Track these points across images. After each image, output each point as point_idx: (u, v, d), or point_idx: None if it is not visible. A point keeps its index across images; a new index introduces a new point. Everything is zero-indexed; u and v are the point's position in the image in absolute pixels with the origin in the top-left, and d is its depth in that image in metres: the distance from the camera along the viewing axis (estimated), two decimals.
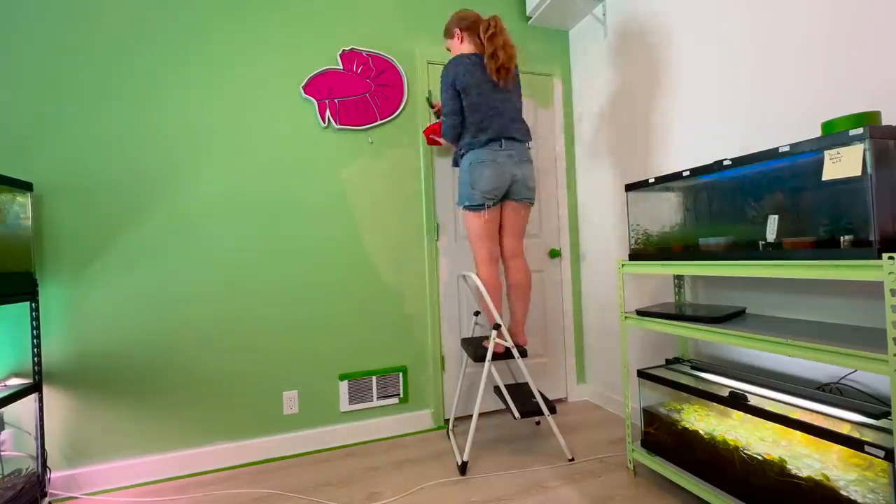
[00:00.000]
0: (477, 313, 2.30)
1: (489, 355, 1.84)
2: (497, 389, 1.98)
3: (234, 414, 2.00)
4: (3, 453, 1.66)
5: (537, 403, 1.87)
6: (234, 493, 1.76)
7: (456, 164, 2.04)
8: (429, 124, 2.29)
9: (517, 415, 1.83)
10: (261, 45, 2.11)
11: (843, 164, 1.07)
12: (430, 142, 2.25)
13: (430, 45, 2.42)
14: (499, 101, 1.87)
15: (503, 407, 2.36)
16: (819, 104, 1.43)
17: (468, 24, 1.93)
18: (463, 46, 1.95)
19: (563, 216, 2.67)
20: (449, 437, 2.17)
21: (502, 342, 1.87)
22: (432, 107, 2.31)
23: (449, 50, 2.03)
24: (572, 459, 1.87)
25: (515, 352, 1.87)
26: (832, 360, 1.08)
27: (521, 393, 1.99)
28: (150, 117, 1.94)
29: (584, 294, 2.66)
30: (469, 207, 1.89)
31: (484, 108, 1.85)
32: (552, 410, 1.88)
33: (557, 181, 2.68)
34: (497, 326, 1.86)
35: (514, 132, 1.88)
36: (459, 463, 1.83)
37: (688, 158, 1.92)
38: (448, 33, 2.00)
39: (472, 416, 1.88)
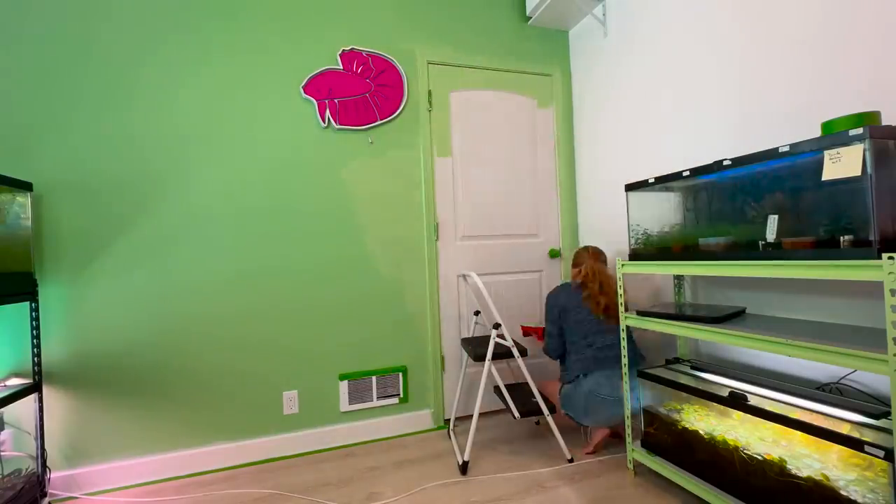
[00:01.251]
0: (477, 313, 2.30)
1: (489, 354, 1.84)
2: (497, 389, 1.98)
3: (234, 414, 2.00)
4: (2, 453, 1.66)
5: (537, 403, 1.87)
6: (234, 493, 1.76)
7: (569, 381, 1.97)
8: (528, 326, 2.36)
9: (517, 414, 1.83)
10: (261, 46, 2.11)
11: (843, 164, 1.07)
12: (525, 335, 2.31)
13: (430, 45, 2.42)
14: (604, 332, 1.93)
15: (503, 407, 2.35)
16: (819, 104, 1.42)
17: (575, 263, 2.13)
18: (574, 276, 2.10)
19: (563, 216, 2.67)
20: (449, 437, 2.18)
21: (502, 342, 1.87)
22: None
23: None
24: (572, 460, 1.87)
25: (516, 351, 1.87)
26: (832, 360, 1.08)
27: (521, 393, 1.99)
28: (151, 117, 1.94)
29: None
30: (571, 418, 1.95)
31: (587, 324, 1.94)
32: (552, 410, 1.88)
33: (558, 181, 2.68)
34: (497, 325, 1.86)
35: (616, 354, 1.87)
36: (460, 463, 1.83)
37: (688, 158, 1.92)
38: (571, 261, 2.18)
39: (472, 415, 1.88)
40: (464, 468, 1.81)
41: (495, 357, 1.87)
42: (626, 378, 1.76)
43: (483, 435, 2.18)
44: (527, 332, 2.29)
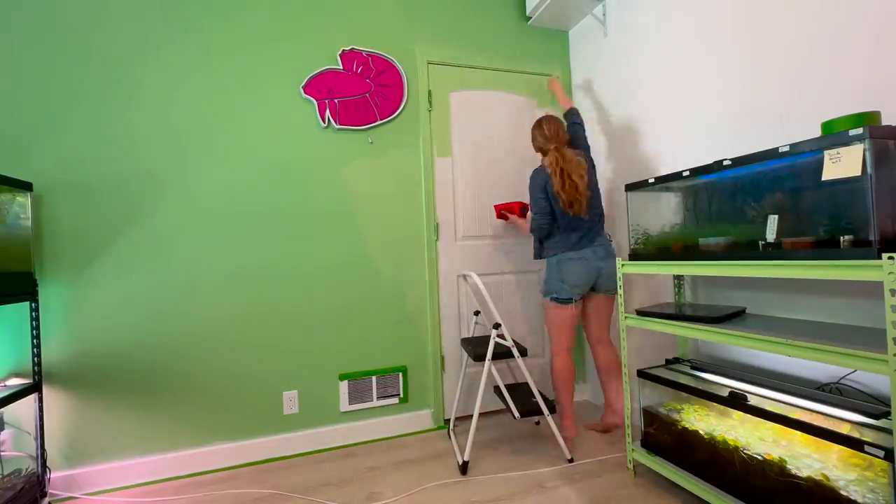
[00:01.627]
0: (477, 313, 2.30)
1: (489, 354, 1.84)
2: (497, 389, 1.98)
3: (233, 414, 2.00)
4: (2, 453, 1.66)
5: (537, 403, 1.87)
6: (233, 493, 1.76)
7: (539, 256, 2.13)
8: (502, 203, 2.37)
9: (517, 414, 1.83)
10: (261, 46, 2.11)
11: (843, 164, 1.07)
12: (500, 216, 2.31)
13: (430, 45, 2.42)
14: (579, 220, 1.99)
15: (503, 407, 2.35)
16: (819, 104, 1.42)
17: (537, 148, 2.10)
18: (544, 162, 2.05)
19: None
20: (449, 437, 2.18)
21: (502, 341, 1.87)
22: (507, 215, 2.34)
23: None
24: (572, 460, 1.87)
25: (516, 351, 1.87)
26: (832, 360, 1.08)
27: (521, 393, 1.99)
28: (151, 117, 1.94)
29: None
30: (556, 300, 2.00)
31: (567, 215, 1.97)
32: (552, 410, 1.89)
33: None
34: (497, 325, 1.86)
35: (598, 232, 2.04)
36: (460, 463, 1.83)
37: (688, 158, 1.92)
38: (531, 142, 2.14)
39: (472, 415, 1.87)
40: (464, 468, 1.81)
41: (495, 357, 1.87)
42: (626, 378, 1.76)
43: (483, 435, 2.18)
44: (502, 211, 2.26)
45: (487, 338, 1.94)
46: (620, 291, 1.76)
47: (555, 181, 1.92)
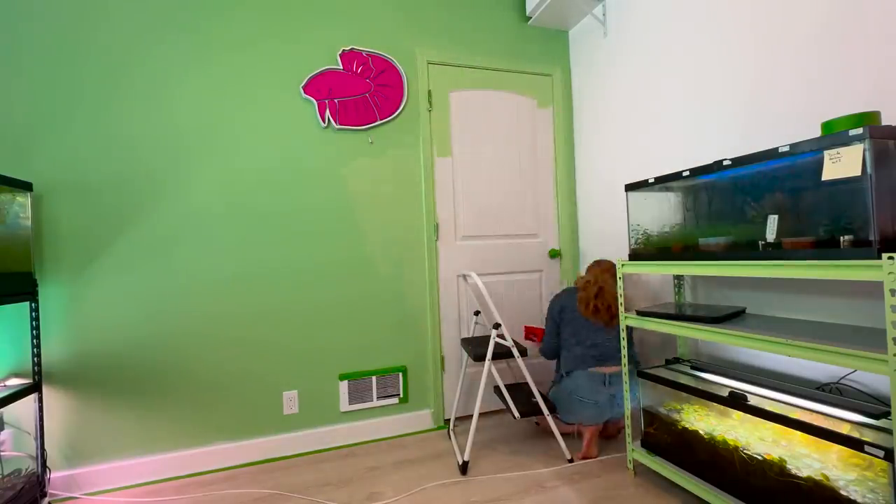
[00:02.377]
0: (477, 313, 2.30)
1: (489, 354, 1.84)
2: (497, 389, 1.98)
3: (233, 414, 2.00)
4: (2, 453, 1.66)
5: (537, 403, 1.87)
6: (233, 493, 1.76)
7: (559, 380, 2.05)
8: (530, 326, 2.40)
9: (517, 414, 1.84)
10: (261, 46, 2.11)
11: (843, 164, 1.07)
12: (528, 338, 2.32)
13: (431, 45, 2.42)
14: (597, 333, 1.94)
15: (503, 407, 2.35)
16: (820, 104, 1.42)
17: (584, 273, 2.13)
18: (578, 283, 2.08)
19: (563, 216, 2.67)
20: (449, 437, 2.17)
21: (502, 342, 1.87)
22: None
23: None
24: (571, 460, 1.87)
25: (515, 351, 1.87)
26: (832, 360, 1.08)
27: (521, 393, 1.99)
28: (151, 117, 1.94)
29: None
30: (558, 417, 1.98)
31: (583, 326, 1.96)
32: (552, 410, 1.88)
33: (557, 181, 2.68)
34: (497, 325, 1.86)
35: (618, 353, 1.90)
36: (460, 463, 1.83)
37: (688, 158, 1.92)
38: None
39: (472, 415, 1.87)
40: (464, 468, 1.81)
41: (495, 357, 1.87)
42: (626, 377, 1.76)
43: (483, 435, 2.18)
44: (529, 333, 2.30)
45: (487, 338, 1.95)
46: (621, 292, 1.76)
47: (589, 290, 1.95)
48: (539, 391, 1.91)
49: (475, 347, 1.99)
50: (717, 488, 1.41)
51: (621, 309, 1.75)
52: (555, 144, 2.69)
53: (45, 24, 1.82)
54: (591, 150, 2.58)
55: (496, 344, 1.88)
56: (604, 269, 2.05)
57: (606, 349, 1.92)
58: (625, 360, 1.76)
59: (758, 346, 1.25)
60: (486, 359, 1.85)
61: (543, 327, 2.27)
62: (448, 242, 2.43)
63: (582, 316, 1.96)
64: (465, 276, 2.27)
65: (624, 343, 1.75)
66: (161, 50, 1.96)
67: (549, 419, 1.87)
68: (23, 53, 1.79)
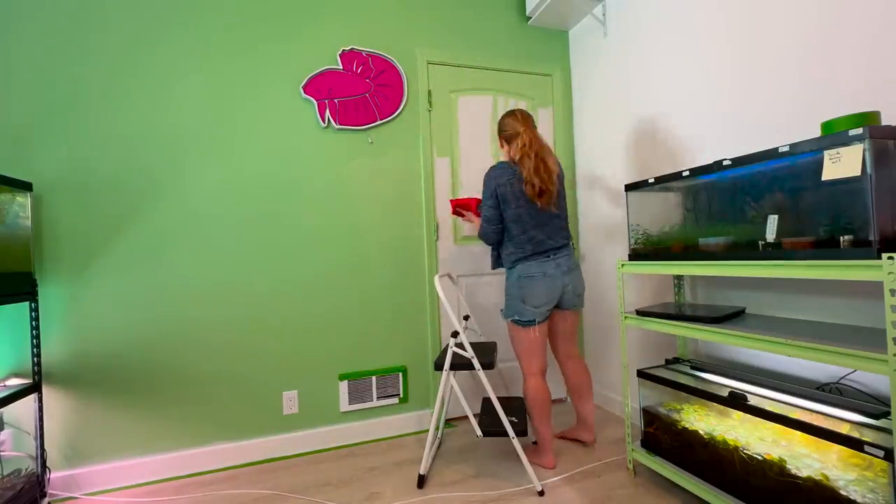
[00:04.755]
0: (467, 317, 2.24)
1: (447, 364, 1.74)
2: (486, 400, 1.88)
3: (233, 414, 2.00)
4: (2, 454, 1.66)
5: (517, 422, 1.76)
6: (233, 493, 1.76)
7: (497, 265, 1.94)
8: (457, 198, 2.17)
9: (479, 433, 1.73)
10: (261, 46, 2.11)
11: (843, 164, 1.07)
12: (455, 213, 2.11)
13: (430, 45, 2.42)
14: (544, 217, 1.80)
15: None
16: (819, 104, 1.42)
17: (507, 136, 1.84)
18: (507, 153, 1.87)
19: None
20: (439, 441, 2.17)
21: (462, 352, 1.74)
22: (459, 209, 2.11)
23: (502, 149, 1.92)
24: (542, 492, 1.65)
25: (476, 363, 1.71)
26: (832, 360, 1.08)
27: (510, 408, 1.88)
28: (150, 118, 1.94)
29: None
30: (518, 322, 1.80)
31: (526, 218, 1.78)
32: (519, 433, 1.71)
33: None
34: (455, 334, 1.75)
35: (561, 241, 1.83)
36: (419, 473, 1.76)
37: (687, 158, 1.92)
38: (498, 135, 1.91)
39: (471, 415, 1.85)
40: (420, 482, 1.74)
41: (459, 367, 1.74)
42: (625, 376, 1.76)
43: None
44: (457, 208, 2.06)
45: (475, 343, 1.90)
46: (620, 292, 1.76)
47: (527, 164, 1.72)
48: (505, 410, 1.76)
49: (442, 355, 1.82)
50: (717, 488, 1.41)
51: (620, 312, 1.75)
52: (555, 144, 2.69)
53: (44, 24, 1.82)
54: (591, 149, 2.58)
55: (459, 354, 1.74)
56: (525, 123, 1.79)
57: (550, 240, 1.78)
58: (624, 360, 1.75)
59: (757, 346, 1.25)
60: (444, 370, 1.74)
61: (474, 197, 2.05)
62: (448, 242, 2.43)
63: (526, 202, 1.75)
64: (449, 276, 2.22)
65: (624, 343, 1.75)
66: (160, 50, 1.96)
67: (515, 442, 1.70)
68: (22, 53, 1.79)
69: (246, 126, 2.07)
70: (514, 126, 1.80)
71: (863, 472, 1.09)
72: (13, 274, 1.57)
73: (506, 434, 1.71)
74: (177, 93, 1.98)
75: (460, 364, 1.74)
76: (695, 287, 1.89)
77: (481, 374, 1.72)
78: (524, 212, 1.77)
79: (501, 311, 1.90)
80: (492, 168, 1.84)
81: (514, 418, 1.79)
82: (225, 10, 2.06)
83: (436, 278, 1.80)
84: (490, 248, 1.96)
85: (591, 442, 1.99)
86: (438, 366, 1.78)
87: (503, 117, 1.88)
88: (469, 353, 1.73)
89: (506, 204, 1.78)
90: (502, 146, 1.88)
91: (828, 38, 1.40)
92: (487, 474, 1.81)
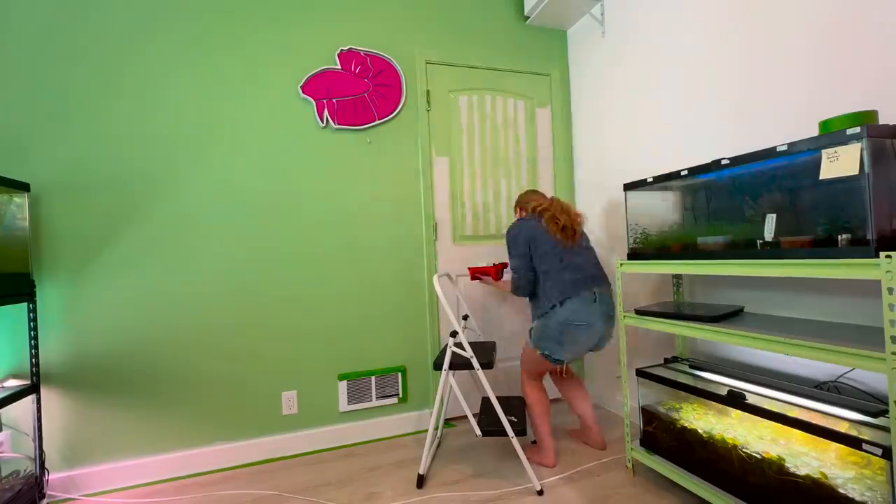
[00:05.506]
0: (465, 317, 2.25)
1: (446, 364, 1.74)
2: (486, 400, 1.88)
3: (232, 414, 2.00)
4: (1, 455, 1.65)
5: (515, 422, 1.76)
6: (233, 493, 1.75)
7: (539, 315, 1.85)
8: (476, 266, 2.23)
9: (478, 432, 1.74)
10: (259, 46, 2.10)
11: (841, 162, 1.08)
12: (474, 278, 2.20)
13: (429, 44, 2.41)
14: (576, 249, 1.83)
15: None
16: (817, 103, 1.43)
17: (523, 203, 2.02)
18: (523, 215, 2.00)
19: None
20: (437, 439, 2.17)
21: (461, 352, 1.75)
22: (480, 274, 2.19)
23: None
24: (541, 492, 1.65)
25: (475, 362, 1.71)
26: (830, 358, 1.08)
27: (509, 406, 1.89)
28: (149, 117, 1.94)
29: None
30: (548, 357, 1.78)
31: (560, 250, 1.80)
32: (518, 433, 1.72)
33: (556, 180, 2.68)
34: (454, 334, 1.76)
35: (599, 271, 1.84)
36: (419, 474, 1.76)
37: (686, 157, 1.92)
38: (515, 206, 2.09)
39: (469, 415, 1.86)
40: (420, 481, 1.75)
41: (458, 367, 1.74)
42: (624, 375, 1.76)
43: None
44: (476, 274, 2.15)
45: (474, 343, 1.90)
46: (619, 291, 1.76)
47: (550, 209, 1.84)
48: (505, 409, 1.77)
49: (441, 354, 1.83)
50: (716, 487, 1.41)
51: (619, 311, 1.75)
52: (553, 144, 2.69)
53: (40, 24, 1.82)
54: (590, 149, 2.58)
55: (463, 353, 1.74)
56: (542, 192, 2.01)
57: (590, 267, 1.82)
58: (623, 360, 1.76)
59: (756, 344, 1.26)
60: (444, 369, 1.75)
61: (491, 265, 2.14)
62: (447, 242, 2.43)
63: (553, 239, 1.80)
64: (448, 276, 2.22)
65: (623, 342, 1.75)
66: (158, 49, 1.96)
67: (514, 441, 1.70)
68: (18, 54, 1.79)
69: (244, 126, 2.07)
70: (535, 197, 1.98)
71: (861, 470, 1.09)
72: (11, 275, 1.57)
73: (505, 433, 1.71)
74: (174, 92, 1.97)
75: (459, 364, 1.74)
76: (693, 286, 1.89)
77: (480, 373, 1.72)
78: (558, 246, 1.81)
79: (530, 331, 1.87)
80: (513, 225, 1.93)
81: (513, 417, 1.80)
82: (222, 9, 2.06)
83: (434, 278, 1.79)
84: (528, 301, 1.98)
85: (602, 448, 1.97)
86: (437, 365, 1.78)
87: (522, 194, 2.08)
88: (468, 352, 1.73)
89: (536, 243, 1.83)
90: (518, 214, 2.05)
91: (826, 38, 1.40)
92: (487, 474, 1.81)
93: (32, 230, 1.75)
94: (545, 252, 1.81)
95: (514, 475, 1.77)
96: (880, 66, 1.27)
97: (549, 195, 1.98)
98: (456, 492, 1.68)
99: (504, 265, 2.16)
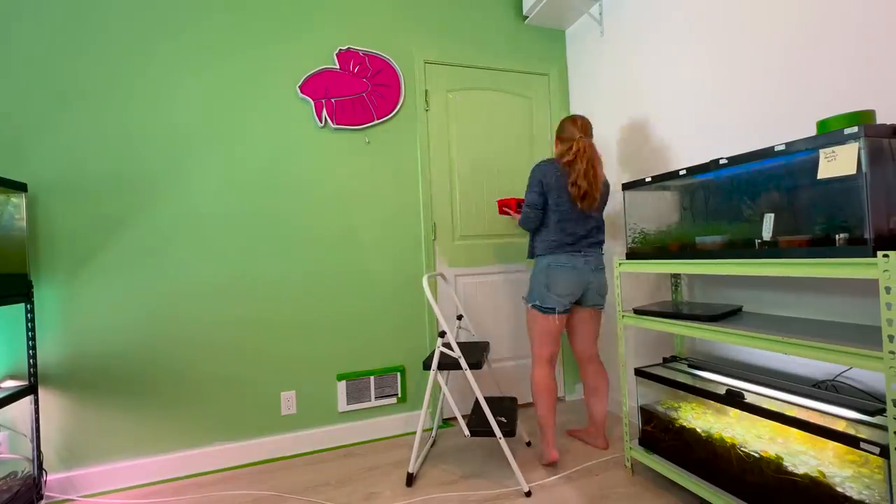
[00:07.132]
0: (460, 317, 2.24)
1: (434, 364, 1.75)
2: (477, 402, 1.87)
3: (231, 415, 2.00)
4: None
5: (503, 422, 1.75)
6: (232, 493, 1.75)
7: (531, 255, 1.96)
8: (504, 198, 2.24)
9: (466, 432, 1.72)
10: (258, 45, 2.10)
11: (838, 162, 1.08)
12: (502, 212, 2.21)
13: (428, 44, 2.41)
14: (583, 215, 1.85)
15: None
16: (815, 102, 1.43)
17: (563, 138, 1.90)
18: (557, 152, 1.93)
19: None
20: (432, 439, 2.17)
21: (449, 352, 1.75)
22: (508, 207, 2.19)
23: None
24: (529, 493, 1.64)
25: (463, 362, 1.71)
26: (828, 357, 1.09)
27: (500, 408, 1.88)
28: (147, 117, 1.93)
29: None
30: (538, 308, 1.84)
31: (567, 212, 1.83)
32: (507, 434, 1.70)
33: None
34: (442, 334, 1.76)
35: (597, 241, 1.90)
36: (409, 472, 1.76)
37: (684, 157, 1.92)
38: (556, 134, 1.98)
39: (466, 415, 1.87)
40: (409, 479, 1.75)
41: (447, 367, 1.74)
42: (623, 374, 1.76)
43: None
44: (503, 206, 2.17)
45: (466, 343, 1.90)
46: (618, 291, 1.76)
47: (577, 167, 1.78)
48: (496, 410, 1.79)
49: (431, 354, 1.83)
50: (715, 486, 1.41)
51: (618, 310, 1.75)
52: (552, 143, 2.69)
53: (42, 24, 1.81)
54: None
55: (453, 353, 1.74)
56: (583, 130, 1.84)
57: (588, 234, 1.85)
58: (622, 359, 1.76)
59: (754, 344, 1.26)
60: (432, 369, 1.75)
61: (513, 198, 2.15)
62: (446, 242, 2.43)
63: (568, 201, 1.81)
64: (442, 276, 2.22)
65: (622, 342, 1.76)
66: (157, 49, 1.95)
67: (502, 442, 1.68)
68: (18, 52, 1.78)
69: (242, 126, 2.07)
70: (572, 132, 1.86)
71: (859, 468, 1.10)
72: (8, 275, 1.56)
73: (493, 434, 1.69)
74: (174, 92, 1.97)
75: (448, 364, 1.74)
76: (692, 285, 1.89)
77: (468, 373, 1.72)
78: (565, 207, 1.83)
79: (523, 297, 1.95)
80: (538, 163, 1.89)
81: (502, 418, 1.79)
82: (221, 9, 2.05)
83: (424, 278, 1.79)
84: (528, 237, 2.01)
85: (605, 448, 1.97)
86: (426, 365, 1.78)
87: (563, 120, 1.93)
88: (456, 352, 1.72)
89: (550, 191, 1.84)
90: (556, 146, 1.95)
91: (826, 38, 1.41)
92: (482, 474, 1.81)
93: (30, 230, 1.74)
94: (555, 205, 1.84)
95: (505, 477, 1.77)
96: (877, 65, 1.27)
97: (583, 129, 1.84)
98: (453, 492, 1.68)
99: (522, 200, 2.14)
